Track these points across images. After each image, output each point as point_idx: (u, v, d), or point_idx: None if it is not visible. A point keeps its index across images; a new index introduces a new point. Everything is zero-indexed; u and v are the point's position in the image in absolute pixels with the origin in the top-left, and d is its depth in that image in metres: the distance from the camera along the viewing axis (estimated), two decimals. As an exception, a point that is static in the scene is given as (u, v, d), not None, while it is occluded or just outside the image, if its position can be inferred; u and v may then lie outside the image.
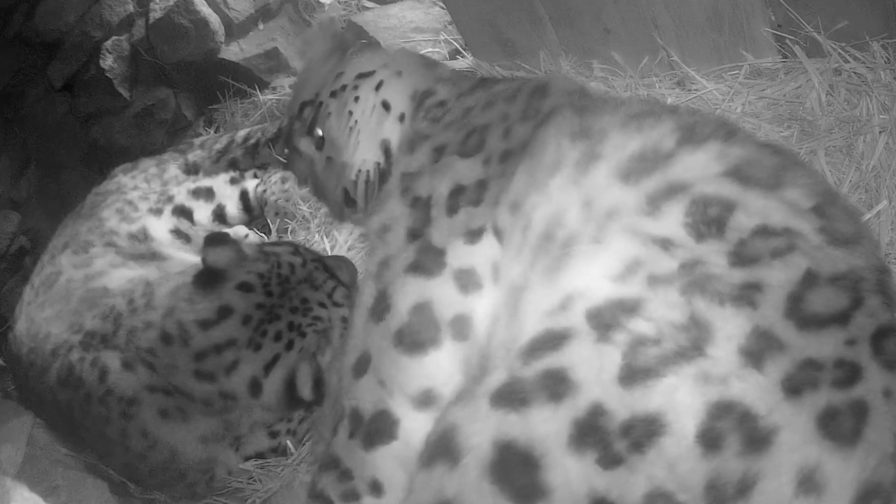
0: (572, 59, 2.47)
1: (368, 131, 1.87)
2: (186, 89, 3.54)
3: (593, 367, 1.14)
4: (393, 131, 1.86)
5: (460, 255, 1.45)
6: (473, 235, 1.46)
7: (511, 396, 1.15)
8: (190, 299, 1.93)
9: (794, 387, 1.08)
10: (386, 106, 1.88)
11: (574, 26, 2.40)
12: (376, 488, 1.37)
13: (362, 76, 1.93)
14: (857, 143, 1.89)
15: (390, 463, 1.37)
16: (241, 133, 2.93)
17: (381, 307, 1.45)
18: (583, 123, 1.50)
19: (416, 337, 1.40)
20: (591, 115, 1.52)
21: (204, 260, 1.96)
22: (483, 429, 1.15)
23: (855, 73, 2.02)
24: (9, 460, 1.83)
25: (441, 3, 3.04)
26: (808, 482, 1.05)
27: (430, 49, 3.03)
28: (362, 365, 1.44)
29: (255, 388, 1.88)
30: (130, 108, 3.55)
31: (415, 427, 1.35)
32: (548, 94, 1.67)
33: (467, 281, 1.43)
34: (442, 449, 1.19)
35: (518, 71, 2.58)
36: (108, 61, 3.49)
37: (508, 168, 1.52)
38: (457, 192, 1.53)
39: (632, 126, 1.44)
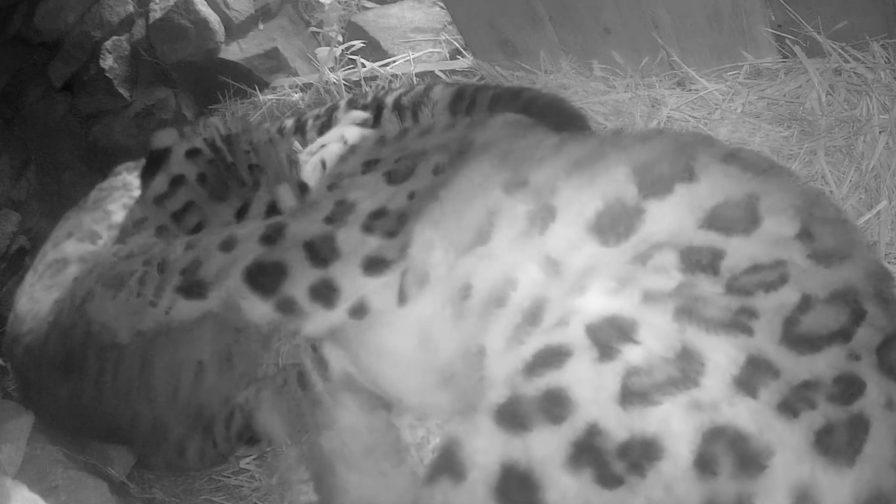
0: (572, 59, 2.47)
1: None
2: (186, 89, 3.54)
3: (593, 386, 1.14)
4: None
5: (345, 273, 1.56)
6: (370, 266, 1.56)
7: (514, 419, 1.16)
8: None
9: (789, 407, 1.09)
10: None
11: (574, 26, 2.40)
12: None
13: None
14: (857, 143, 1.90)
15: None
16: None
17: (273, 236, 1.64)
18: (518, 175, 1.48)
19: (268, 281, 1.60)
20: (527, 165, 1.49)
21: (149, 146, 1.97)
22: (489, 448, 1.16)
23: (855, 73, 2.02)
24: (9, 460, 1.83)
25: (441, 3, 3.04)
26: (804, 500, 1.05)
27: (430, 49, 3.03)
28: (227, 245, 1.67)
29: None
30: (130, 108, 3.54)
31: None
32: (487, 126, 1.68)
33: (326, 294, 1.56)
34: (445, 464, 1.18)
35: (518, 71, 2.58)
36: (108, 61, 3.49)
37: (427, 212, 1.55)
38: (377, 215, 1.60)
39: (582, 176, 1.41)
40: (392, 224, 1.58)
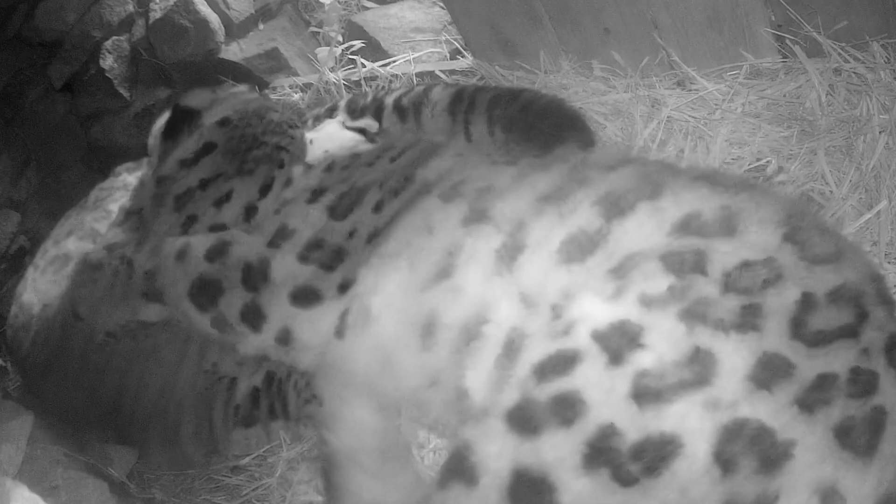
0: (572, 59, 2.47)
1: None
2: (186, 89, 3.54)
3: (604, 388, 1.14)
4: None
5: (272, 301, 1.59)
6: (299, 296, 1.58)
7: (525, 422, 1.15)
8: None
9: (807, 403, 1.08)
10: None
11: (574, 26, 2.40)
12: None
13: None
14: (857, 143, 1.90)
15: None
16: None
17: (218, 253, 1.68)
18: (477, 209, 1.47)
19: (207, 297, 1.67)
20: (486, 197, 1.49)
21: (177, 104, 1.96)
22: (501, 453, 1.16)
23: (855, 73, 2.02)
24: (9, 460, 1.83)
25: (441, 3, 3.04)
26: (829, 495, 1.05)
27: (430, 49, 3.03)
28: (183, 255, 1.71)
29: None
30: (130, 108, 3.54)
31: None
32: (429, 161, 1.68)
33: (253, 319, 1.61)
34: (457, 469, 1.18)
35: (518, 71, 2.58)
36: (108, 61, 3.49)
37: (372, 254, 1.56)
38: (315, 245, 1.62)
39: (548, 213, 1.41)
40: (328, 258, 1.60)
